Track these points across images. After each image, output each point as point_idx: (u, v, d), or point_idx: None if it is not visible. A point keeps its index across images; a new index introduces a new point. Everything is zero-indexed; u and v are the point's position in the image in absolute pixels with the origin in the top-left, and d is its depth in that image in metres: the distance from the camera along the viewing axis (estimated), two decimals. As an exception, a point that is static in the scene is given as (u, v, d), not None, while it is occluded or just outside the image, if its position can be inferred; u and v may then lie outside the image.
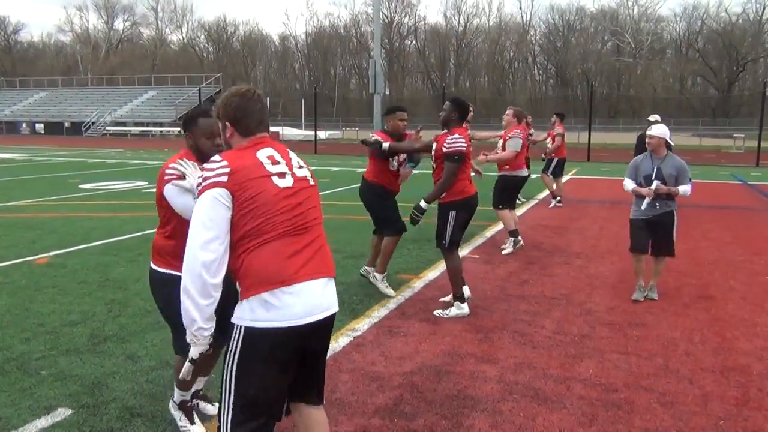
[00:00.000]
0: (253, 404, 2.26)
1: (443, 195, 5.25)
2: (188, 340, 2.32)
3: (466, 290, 5.44)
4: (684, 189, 5.62)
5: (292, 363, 2.33)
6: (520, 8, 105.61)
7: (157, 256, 3.20)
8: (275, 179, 2.32)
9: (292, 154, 2.49)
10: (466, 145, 5.19)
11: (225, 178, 2.25)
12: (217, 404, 2.54)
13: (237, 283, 2.33)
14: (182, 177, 2.97)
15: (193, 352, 2.32)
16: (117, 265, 6.95)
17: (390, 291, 5.96)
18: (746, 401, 3.77)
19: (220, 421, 2.31)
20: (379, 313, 5.37)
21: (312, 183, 2.50)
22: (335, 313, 2.45)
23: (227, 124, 2.43)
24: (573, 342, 4.73)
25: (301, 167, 2.47)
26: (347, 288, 6.07)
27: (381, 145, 5.66)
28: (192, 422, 3.36)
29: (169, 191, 3.00)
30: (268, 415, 2.31)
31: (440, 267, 6.84)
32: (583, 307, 5.58)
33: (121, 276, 6.46)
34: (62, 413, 3.51)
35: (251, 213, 2.25)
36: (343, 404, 3.66)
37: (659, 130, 5.68)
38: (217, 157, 2.33)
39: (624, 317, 5.31)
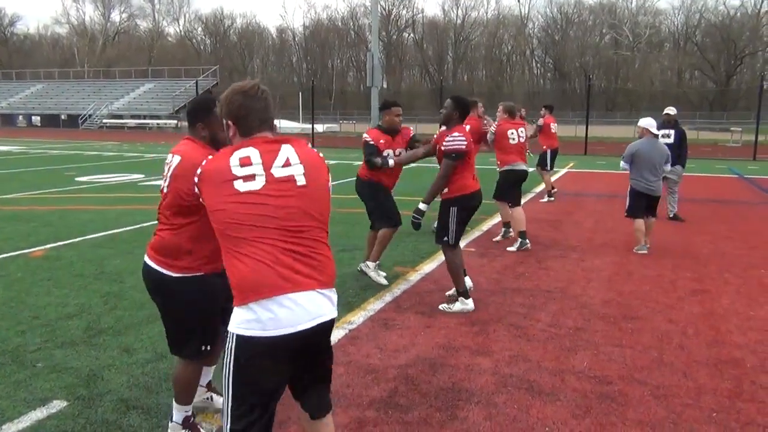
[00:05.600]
0: (248, 403, 2.28)
1: (445, 191, 5.18)
2: None
3: (468, 281, 5.42)
4: None
5: (282, 368, 2.29)
6: (519, 1, 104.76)
7: (167, 255, 2.87)
8: (237, 183, 2.21)
9: (286, 151, 2.30)
10: (465, 143, 5.08)
11: (196, 179, 2.33)
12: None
13: None
14: None
15: None
16: (113, 257, 6.95)
17: (382, 279, 5.99)
18: (739, 394, 3.79)
19: (222, 414, 2.34)
20: (374, 306, 5.38)
21: (301, 183, 2.28)
22: (330, 321, 2.31)
23: (229, 122, 2.36)
24: (568, 335, 4.74)
25: (287, 165, 2.28)
26: (342, 281, 6.06)
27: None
28: None
29: None
30: (263, 411, 2.31)
31: (436, 260, 6.86)
32: (578, 301, 5.60)
33: (117, 269, 6.46)
34: (57, 405, 3.52)
35: (212, 216, 2.27)
36: (338, 397, 3.66)
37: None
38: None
39: (619, 310, 5.33)
